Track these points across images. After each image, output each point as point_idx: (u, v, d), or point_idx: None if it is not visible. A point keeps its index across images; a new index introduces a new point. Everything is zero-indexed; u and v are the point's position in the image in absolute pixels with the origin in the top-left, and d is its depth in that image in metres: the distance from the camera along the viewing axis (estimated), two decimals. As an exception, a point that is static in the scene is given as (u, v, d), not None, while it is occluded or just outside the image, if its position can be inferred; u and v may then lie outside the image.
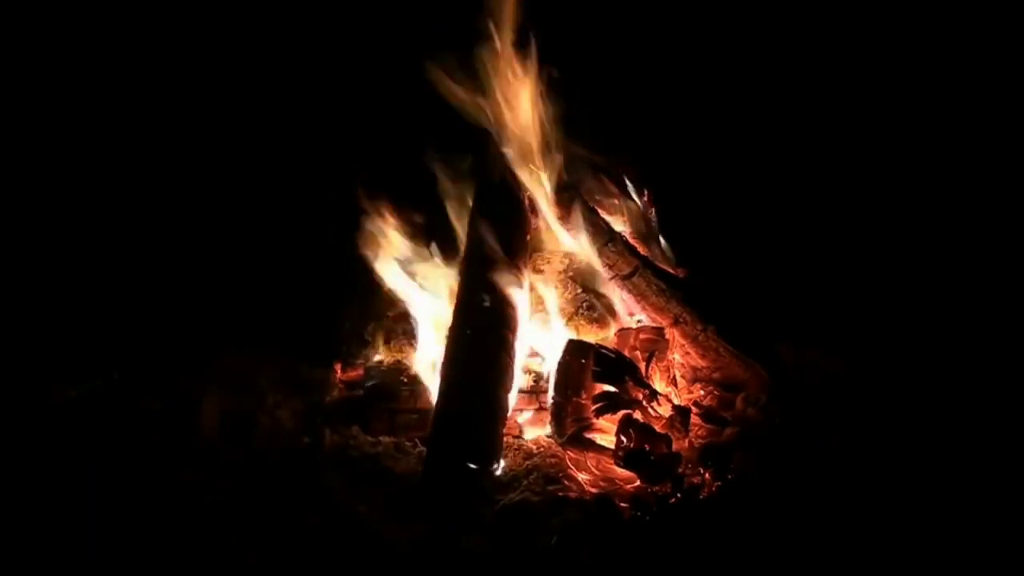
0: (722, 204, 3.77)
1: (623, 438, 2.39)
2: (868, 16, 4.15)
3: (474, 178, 3.21)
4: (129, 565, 2.10)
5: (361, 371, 3.02)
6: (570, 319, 3.01)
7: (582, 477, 2.43)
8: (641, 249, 3.08)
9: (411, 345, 3.08)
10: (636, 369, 2.66)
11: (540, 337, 2.95)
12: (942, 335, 2.93)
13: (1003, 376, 2.65)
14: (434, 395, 2.69)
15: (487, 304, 2.72)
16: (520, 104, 3.15)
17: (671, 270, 3.07)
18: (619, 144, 3.38)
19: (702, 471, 2.37)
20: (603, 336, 2.96)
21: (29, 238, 3.73)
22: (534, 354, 2.95)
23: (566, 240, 3.13)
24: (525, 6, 3.01)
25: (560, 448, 2.54)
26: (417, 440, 2.66)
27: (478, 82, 3.03)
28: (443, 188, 3.20)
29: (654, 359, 2.77)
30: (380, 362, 3.06)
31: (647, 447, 2.35)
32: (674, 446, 2.42)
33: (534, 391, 2.80)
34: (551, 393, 2.65)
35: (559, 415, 2.55)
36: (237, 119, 4.09)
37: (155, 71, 4.10)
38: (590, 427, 2.53)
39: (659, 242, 3.24)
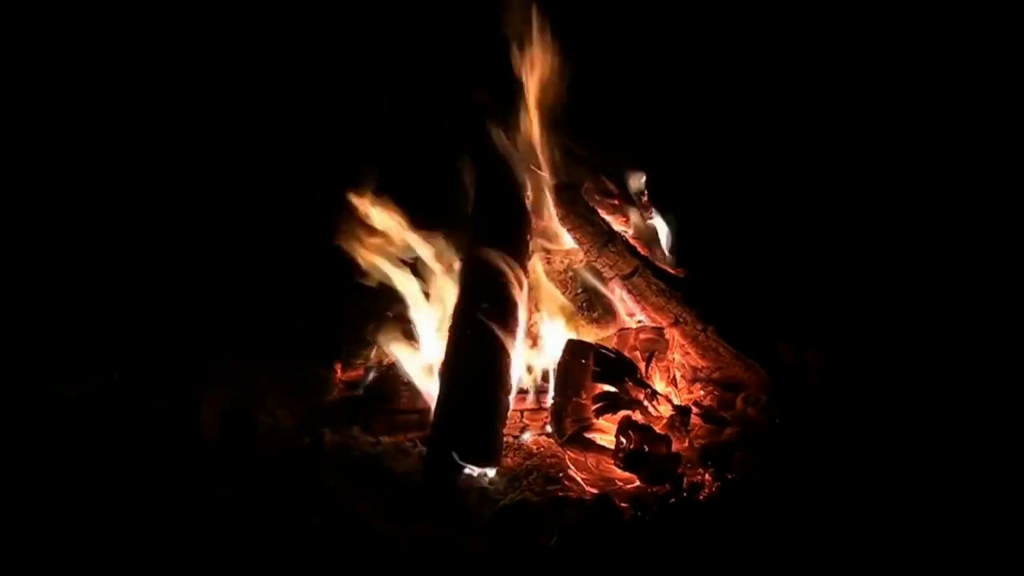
0: (722, 204, 3.77)
1: (623, 439, 2.39)
2: (868, 16, 4.15)
3: (475, 179, 3.21)
4: (129, 565, 2.10)
5: (361, 371, 3.02)
6: (570, 319, 3.02)
7: (582, 477, 2.43)
8: (641, 249, 3.09)
9: (411, 345, 3.08)
10: (636, 369, 2.66)
11: (540, 337, 2.95)
12: (942, 335, 2.93)
13: (1003, 375, 2.65)
14: (434, 395, 2.69)
15: (487, 305, 2.72)
16: (521, 103, 3.15)
17: (671, 270, 3.07)
18: (619, 143, 3.38)
19: (702, 471, 2.37)
20: (603, 336, 2.96)
21: (29, 238, 3.73)
22: (534, 354, 2.95)
23: (566, 240, 3.13)
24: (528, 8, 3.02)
25: (560, 448, 2.54)
26: (417, 440, 2.66)
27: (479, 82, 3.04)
28: (444, 188, 3.21)
29: (654, 359, 2.77)
30: (380, 362, 3.06)
31: (647, 448, 2.35)
32: (674, 446, 2.42)
33: (534, 391, 2.80)
34: (551, 393, 2.65)
35: (559, 415, 2.55)
36: (237, 119, 4.09)
37: (155, 71, 4.10)
38: (590, 427, 2.53)
39: (659, 242, 3.24)
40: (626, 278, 2.93)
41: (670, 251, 3.22)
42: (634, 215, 3.24)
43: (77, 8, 4.01)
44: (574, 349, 2.65)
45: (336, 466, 2.51)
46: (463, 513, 2.27)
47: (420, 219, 3.15)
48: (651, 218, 3.30)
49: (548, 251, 3.21)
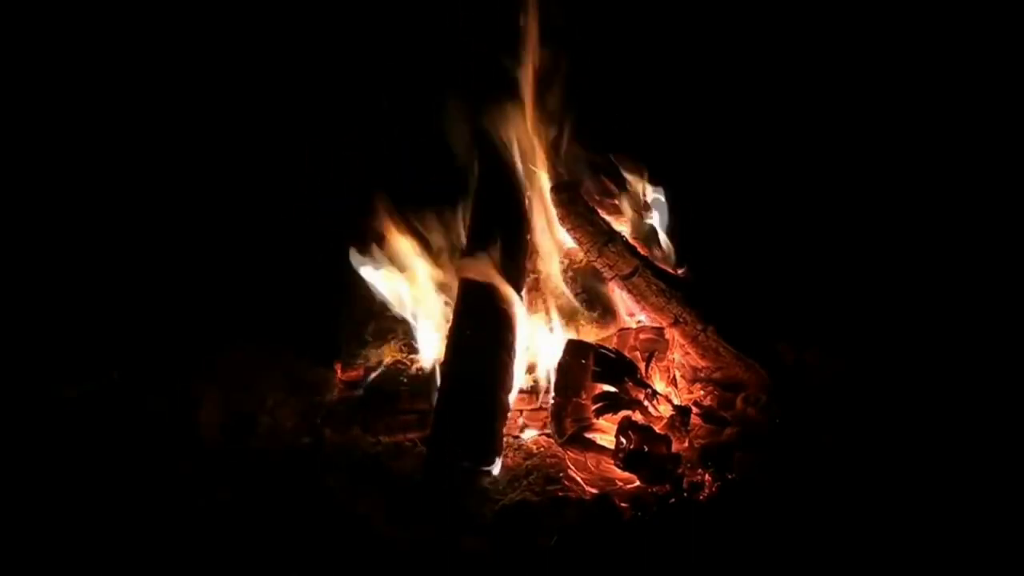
0: (722, 204, 3.77)
1: (623, 439, 2.39)
2: (868, 16, 4.15)
3: (474, 178, 3.21)
4: (129, 565, 2.10)
5: (361, 371, 3.02)
6: (570, 319, 3.02)
7: (582, 477, 2.43)
8: (641, 249, 3.08)
9: (411, 345, 3.09)
10: (636, 369, 2.66)
11: (540, 337, 2.95)
12: (942, 335, 2.93)
13: (1003, 375, 2.65)
14: (434, 395, 2.69)
15: (487, 304, 2.72)
16: (521, 103, 3.15)
17: (671, 270, 3.07)
18: (619, 144, 3.37)
19: (702, 471, 2.37)
20: (603, 336, 2.96)
21: (29, 238, 3.73)
22: (534, 354, 2.95)
23: (566, 240, 3.13)
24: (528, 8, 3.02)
25: (560, 448, 2.54)
26: (417, 440, 2.66)
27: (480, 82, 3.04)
28: (443, 188, 3.21)
29: (654, 359, 2.77)
30: (380, 362, 3.07)
31: (647, 448, 2.35)
32: (674, 446, 2.42)
33: (534, 391, 2.80)
34: (551, 393, 2.65)
35: (559, 415, 2.55)
36: (237, 118, 4.09)
37: (155, 70, 4.10)
38: (590, 427, 2.53)
39: (659, 242, 3.24)
40: (626, 278, 2.92)
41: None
42: (634, 215, 3.24)
43: (77, 8, 4.01)
44: (574, 349, 2.65)
45: (336, 466, 2.51)
46: (463, 513, 2.27)
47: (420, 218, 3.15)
48: (651, 218, 3.29)
49: (547, 251, 3.21)
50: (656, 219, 3.29)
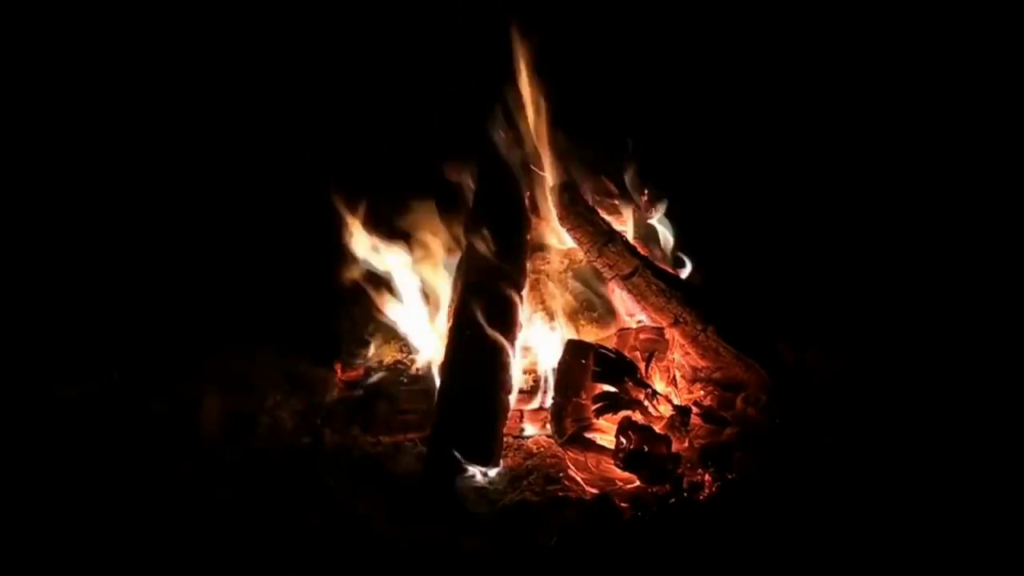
0: (723, 204, 3.77)
1: (623, 439, 2.39)
2: (868, 16, 4.16)
3: (474, 178, 3.21)
4: (129, 565, 2.10)
5: (361, 371, 3.02)
6: (570, 319, 3.02)
7: (582, 477, 2.43)
8: (641, 249, 3.08)
9: (411, 345, 3.09)
10: (636, 369, 2.65)
11: (540, 337, 2.96)
12: (942, 335, 2.93)
13: (1003, 375, 2.65)
14: (434, 395, 2.69)
15: (486, 305, 2.72)
16: (521, 104, 3.15)
17: (671, 270, 3.07)
18: (620, 144, 3.37)
19: (702, 471, 2.37)
20: (603, 336, 2.96)
21: (29, 238, 3.74)
22: (534, 354, 2.95)
23: (566, 240, 3.13)
24: (526, 8, 3.02)
25: (560, 448, 2.54)
26: (417, 440, 2.66)
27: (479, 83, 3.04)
28: (443, 189, 3.21)
29: (654, 359, 2.76)
30: (380, 362, 3.07)
31: (647, 448, 2.35)
32: (674, 446, 2.42)
33: (534, 391, 2.80)
34: (551, 393, 2.65)
35: (559, 415, 2.55)
36: (237, 118, 4.09)
37: (155, 71, 4.10)
38: (590, 427, 2.53)
39: (659, 242, 3.24)
40: (626, 278, 2.92)
41: (671, 253, 3.21)
42: (634, 215, 3.24)
43: (77, 8, 4.01)
44: (574, 349, 2.65)
45: (336, 466, 2.51)
46: (463, 513, 2.27)
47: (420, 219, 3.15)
48: (652, 218, 3.29)
49: (548, 251, 3.21)
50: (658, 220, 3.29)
